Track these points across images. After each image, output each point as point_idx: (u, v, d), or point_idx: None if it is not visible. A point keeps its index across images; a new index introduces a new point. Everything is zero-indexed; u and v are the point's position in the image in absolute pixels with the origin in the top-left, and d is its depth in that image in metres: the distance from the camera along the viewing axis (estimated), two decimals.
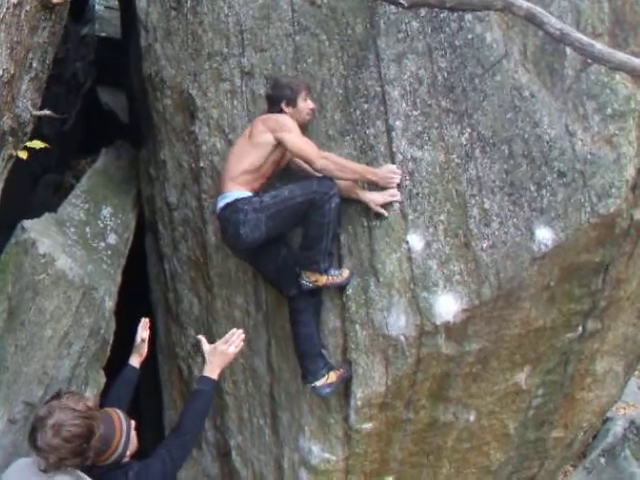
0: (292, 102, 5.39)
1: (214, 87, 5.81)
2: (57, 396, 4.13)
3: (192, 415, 4.59)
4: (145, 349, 5.29)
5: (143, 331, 5.30)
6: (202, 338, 4.92)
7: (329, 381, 5.38)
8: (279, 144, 5.27)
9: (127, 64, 6.85)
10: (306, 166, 5.34)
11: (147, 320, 5.36)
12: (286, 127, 5.25)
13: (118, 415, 4.39)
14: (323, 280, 5.39)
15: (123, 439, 4.29)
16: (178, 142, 6.03)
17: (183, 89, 5.91)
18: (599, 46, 2.89)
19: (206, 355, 4.79)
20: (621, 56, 2.88)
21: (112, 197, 6.48)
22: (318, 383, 5.36)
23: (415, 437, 5.73)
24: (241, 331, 4.85)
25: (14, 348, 5.52)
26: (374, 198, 5.33)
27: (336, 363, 5.45)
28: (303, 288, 5.42)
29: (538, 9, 3.01)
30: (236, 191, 5.29)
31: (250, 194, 5.29)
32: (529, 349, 5.59)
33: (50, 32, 3.93)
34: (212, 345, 4.77)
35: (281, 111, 5.40)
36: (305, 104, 5.43)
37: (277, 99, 5.41)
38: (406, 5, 3.41)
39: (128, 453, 4.35)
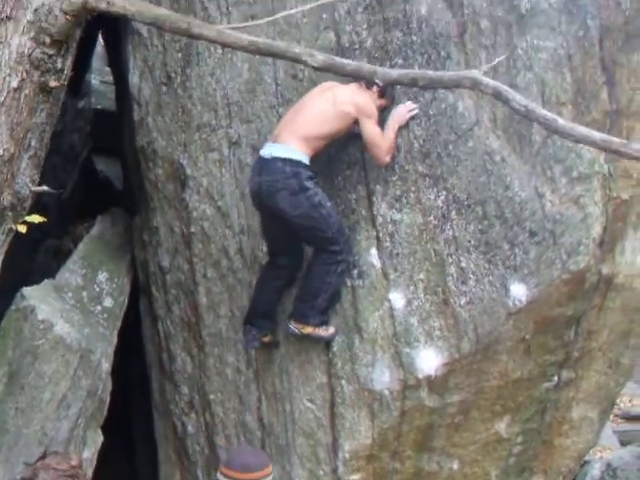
0: (380, 94, 5.24)
1: (203, 157, 5.82)
2: (42, 457, 4.08)
3: None
4: None
5: None
6: None
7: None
8: (355, 123, 5.21)
9: (121, 135, 6.88)
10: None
11: None
12: (369, 112, 5.18)
13: None
14: (308, 330, 5.39)
15: None
16: (170, 209, 6.03)
17: (174, 159, 5.92)
18: (562, 121, 2.95)
19: None
20: (582, 130, 2.94)
21: (108, 262, 6.46)
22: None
23: None
24: None
25: (14, 411, 5.47)
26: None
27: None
28: (289, 332, 5.45)
29: (504, 87, 3.07)
30: (298, 150, 5.15)
31: (308, 158, 5.19)
32: (508, 399, 5.59)
33: (48, 113, 3.97)
34: None
35: (369, 87, 5.18)
36: (381, 102, 5.30)
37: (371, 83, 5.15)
38: (380, 84, 3.46)
39: None
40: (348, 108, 5.16)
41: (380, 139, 5.24)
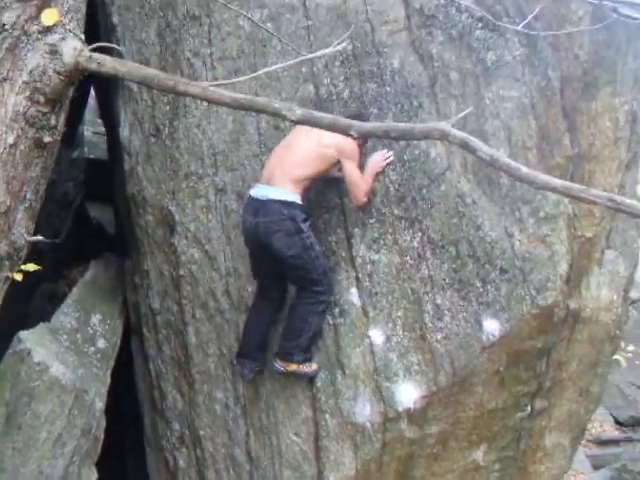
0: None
1: (191, 203, 5.84)
2: None
3: None
4: None
5: None
6: None
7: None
8: (337, 164, 5.25)
9: (113, 183, 6.89)
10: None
11: None
12: (350, 154, 5.21)
13: None
14: (293, 367, 5.40)
15: None
16: (159, 253, 6.04)
17: (163, 206, 5.94)
18: (525, 169, 2.99)
19: None
20: (544, 177, 2.98)
21: (101, 305, 6.45)
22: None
23: None
24: None
25: (11, 450, 5.42)
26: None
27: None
28: (275, 370, 5.46)
29: (471, 138, 3.11)
30: (291, 192, 5.19)
31: (300, 198, 5.23)
32: (484, 429, 5.59)
33: (42, 167, 3.98)
34: None
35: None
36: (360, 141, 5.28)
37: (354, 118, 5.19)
38: (355, 136, 3.50)
39: None
40: (331, 151, 5.20)
41: (360, 180, 5.27)
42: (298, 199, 5.25)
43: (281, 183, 5.21)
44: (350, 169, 5.24)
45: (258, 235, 5.25)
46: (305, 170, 5.25)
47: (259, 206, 5.24)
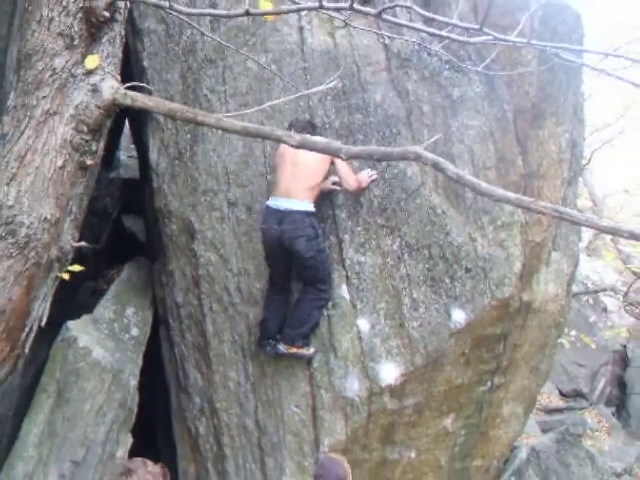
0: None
1: (208, 215, 5.82)
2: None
3: None
4: None
5: None
6: None
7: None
8: (332, 164, 5.21)
9: (144, 199, 6.87)
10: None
11: None
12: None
13: None
14: (294, 349, 5.39)
15: None
16: (182, 256, 6.02)
17: (185, 217, 5.92)
18: (484, 185, 2.98)
19: None
20: (500, 191, 2.98)
21: (134, 299, 6.43)
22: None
23: (370, 472, 5.63)
24: None
25: (62, 419, 5.44)
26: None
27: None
28: (279, 352, 5.43)
29: (440, 159, 3.11)
30: (308, 202, 5.20)
31: (314, 206, 5.23)
32: (452, 400, 5.59)
33: (85, 185, 3.95)
34: None
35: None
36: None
37: None
38: (344, 158, 3.49)
39: None
40: (326, 158, 5.12)
41: (351, 173, 5.27)
42: (312, 207, 5.24)
43: (299, 195, 5.19)
44: (343, 167, 5.23)
45: (282, 240, 5.21)
46: (314, 179, 5.20)
47: (283, 216, 5.20)
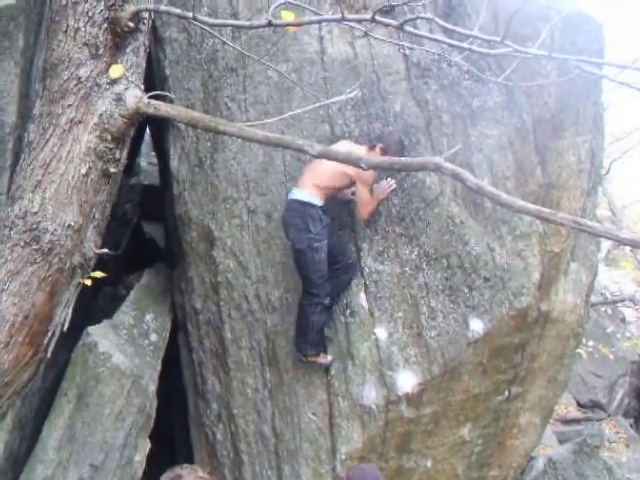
0: (383, 152, 5.16)
1: (228, 222, 5.85)
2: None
3: None
4: None
5: None
6: None
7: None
8: (353, 184, 5.23)
9: (164, 205, 6.91)
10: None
11: None
12: (365, 179, 5.13)
13: None
14: (314, 358, 5.40)
15: None
16: (201, 263, 6.05)
17: (205, 224, 5.95)
18: (505, 196, 2.99)
19: None
20: (520, 203, 2.98)
21: (153, 305, 6.47)
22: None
23: None
24: None
25: (81, 424, 5.49)
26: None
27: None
28: (296, 359, 5.46)
29: (460, 170, 3.11)
30: (312, 194, 5.19)
31: (319, 200, 5.20)
32: (469, 410, 5.58)
33: (108, 192, 3.99)
34: None
35: (372, 147, 5.22)
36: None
37: (378, 139, 5.26)
38: (365, 168, 3.50)
39: None
40: (350, 172, 5.09)
41: (367, 202, 5.25)
42: (316, 200, 5.20)
43: (305, 187, 5.23)
44: (362, 192, 5.23)
45: (284, 226, 5.31)
46: (329, 181, 5.19)
47: (288, 204, 5.29)
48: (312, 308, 5.28)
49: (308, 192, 5.20)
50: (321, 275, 5.23)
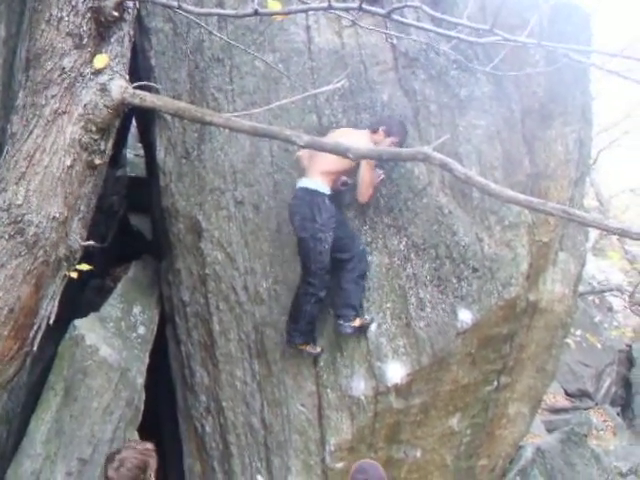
0: (387, 134, 5.13)
1: (215, 214, 5.81)
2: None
3: None
4: None
5: None
6: None
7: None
8: (356, 168, 5.11)
9: (151, 197, 6.87)
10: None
11: None
12: (371, 161, 5.05)
13: None
14: (303, 346, 5.38)
15: None
16: (189, 255, 6.01)
17: (192, 216, 5.91)
18: (493, 186, 2.98)
19: None
20: (509, 192, 2.98)
21: (141, 298, 6.44)
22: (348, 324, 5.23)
23: None
24: None
25: (69, 417, 5.48)
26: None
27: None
28: (286, 344, 5.43)
29: (449, 160, 3.10)
30: (319, 182, 5.11)
31: (326, 188, 5.13)
32: (458, 400, 5.58)
33: (93, 184, 3.95)
34: None
35: (375, 131, 5.17)
36: (386, 142, 5.12)
37: (380, 123, 5.21)
38: (353, 158, 3.49)
39: None
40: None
41: (370, 183, 5.19)
42: (323, 188, 5.14)
43: (311, 175, 5.17)
44: (366, 172, 5.14)
45: (289, 214, 5.25)
46: (331, 166, 5.07)
47: (295, 192, 5.23)
48: (307, 298, 5.25)
49: (315, 180, 5.15)
50: (321, 266, 5.18)
